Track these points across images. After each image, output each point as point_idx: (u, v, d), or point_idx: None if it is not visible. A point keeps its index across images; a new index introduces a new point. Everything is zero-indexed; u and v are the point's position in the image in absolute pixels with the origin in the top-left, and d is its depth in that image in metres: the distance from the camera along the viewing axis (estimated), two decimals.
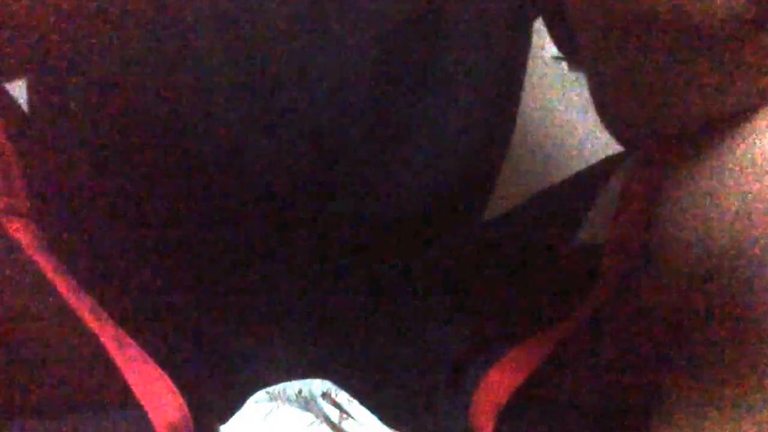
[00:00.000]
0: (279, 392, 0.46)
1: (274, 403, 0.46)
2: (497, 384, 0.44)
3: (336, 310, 0.48)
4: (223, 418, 0.45)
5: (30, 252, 0.38)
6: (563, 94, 0.44)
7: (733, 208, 0.34)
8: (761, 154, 0.35)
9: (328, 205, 0.45)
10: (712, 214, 0.35)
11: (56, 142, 0.42)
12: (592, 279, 0.43)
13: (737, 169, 0.35)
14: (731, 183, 0.35)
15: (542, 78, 0.45)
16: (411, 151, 0.45)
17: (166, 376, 0.41)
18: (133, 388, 0.40)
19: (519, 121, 0.46)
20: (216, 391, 0.45)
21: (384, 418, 0.46)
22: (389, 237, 0.47)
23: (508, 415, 0.44)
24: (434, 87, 0.44)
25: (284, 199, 0.44)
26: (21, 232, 0.38)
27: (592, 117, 0.41)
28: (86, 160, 0.42)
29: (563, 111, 0.43)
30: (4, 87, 0.42)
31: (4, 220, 0.38)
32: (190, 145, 0.42)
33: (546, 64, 0.43)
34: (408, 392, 0.47)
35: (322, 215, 0.45)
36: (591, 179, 0.47)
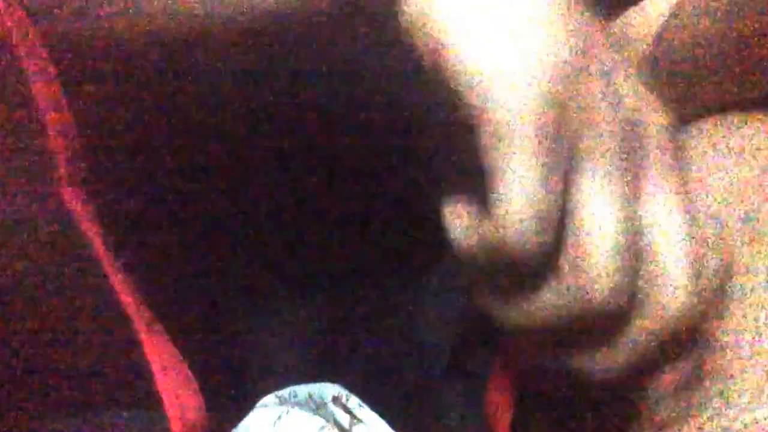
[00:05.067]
0: (289, 396, 0.46)
1: (283, 407, 0.45)
2: (502, 377, 0.44)
3: (345, 313, 0.48)
4: (232, 421, 0.44)
5: (84, 224, 0.37)
6: None
7: (719, 192, 0.37)
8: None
9: (334, 208, 0.47)
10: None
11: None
12: None
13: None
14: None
15: None
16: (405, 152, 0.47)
17: (188, 373, 0.40)
18: (157, 380, 0.39)
19: None
20: (226, 393, 0.45)
21: (393, 423, 0.46)
22: (393, 240, 0.49)
23: (521, 407, 0.44)
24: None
25: (288, 206, 0.46)
26: (77, 203, 0.37)
27: None
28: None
29: None
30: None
31: (64, 190, 0.36)
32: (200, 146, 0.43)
33: None
34: (418, 397, 0.47)
35: (326, 218, 0.47)
36: None
